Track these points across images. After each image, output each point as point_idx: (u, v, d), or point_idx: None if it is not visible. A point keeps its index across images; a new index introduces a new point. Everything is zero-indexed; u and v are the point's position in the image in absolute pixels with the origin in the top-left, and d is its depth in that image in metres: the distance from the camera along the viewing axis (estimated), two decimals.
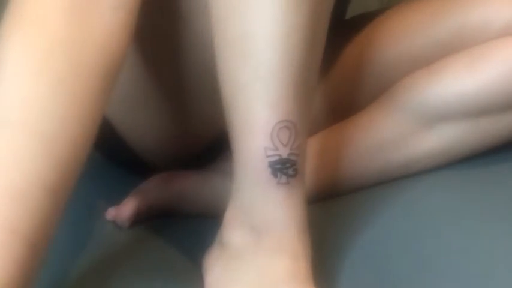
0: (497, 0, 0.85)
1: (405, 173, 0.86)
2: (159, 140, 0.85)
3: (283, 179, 0.66)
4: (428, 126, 0.85)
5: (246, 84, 0.65)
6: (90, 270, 0.74)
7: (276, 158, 0.66)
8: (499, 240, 0.75)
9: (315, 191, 0.82)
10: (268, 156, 0.66)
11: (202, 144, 0.86)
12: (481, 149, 0.86)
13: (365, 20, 0.94)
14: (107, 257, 0.76)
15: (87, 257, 0.75)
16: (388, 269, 0.73)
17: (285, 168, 0.66)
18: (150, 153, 0.87)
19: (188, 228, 0.82)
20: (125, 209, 0.82)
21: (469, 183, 0.84)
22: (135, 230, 0.82)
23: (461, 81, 0.83)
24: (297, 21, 0.64)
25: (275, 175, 0.66)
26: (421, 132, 0.85)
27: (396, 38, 0.89)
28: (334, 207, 0.84)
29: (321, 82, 0.87)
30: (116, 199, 0.84)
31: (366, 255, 0.75)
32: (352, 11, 1.01)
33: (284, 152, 0.66)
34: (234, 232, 0.69)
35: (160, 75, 0.80)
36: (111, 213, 0.83)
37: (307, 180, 0.80)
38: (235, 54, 0.65)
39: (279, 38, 0.63)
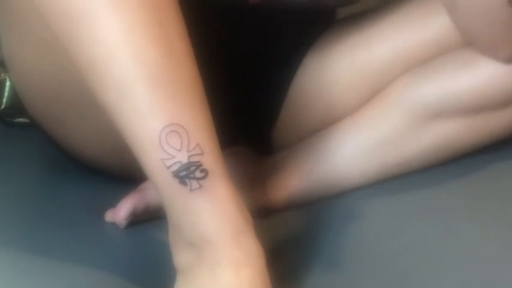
0: None
1: (403, 170, 0.86)
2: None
3: (194, 184, 0.61)
4: (424, 124, 0.84)
5: (116, 105, 0.61)
6: (89, 270, 0.74)
7: (177, 165, 0.61)
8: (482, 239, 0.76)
9: (311, 191, 0.84)
10: (168, 167, 0.61)
11: None
12: (476, 146, 0.86)
13: (356, 20, 0.92)
14: (107, 257, 0.76)
15: (87, 258, 0.76)
16: (386, 267, 0.73)
17: (191, 173, 0.61)
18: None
19: None
20: (122, 209, 0.81)
21: (458, 183, 0.86)
22: (134, 230, 0.82)
23: (457, 79, 0.83)
24: (133, 22, 0.59)
25: (184, 183, 0.61)
26: (417, 130, 0.84)
27: (390, 37, 0.88)
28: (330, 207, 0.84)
29: (313, 84, 0.90)
30: (117, 200, 0.83)
31: (365, 253, 0.76)
32: (345, 10, 0.98)
33: (183, 157, 0.60)
34: (178, 253, 0.65)
35: None
36: (110, 215, 0.83)
37: (304, 181, 0.84)
38: (91, 77, 0.61)
39: (120, 44, 0.59)
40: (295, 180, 0.85)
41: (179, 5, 0.62)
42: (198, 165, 0.61)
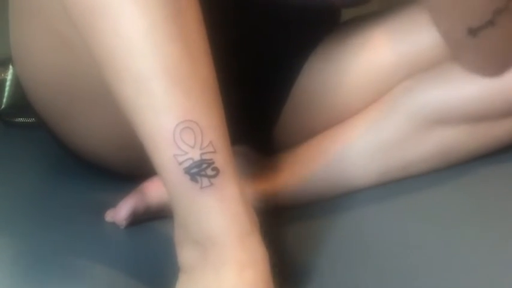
0: None
1: (404, 174, 0.86)
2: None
3: (205, 181, 0.61)
4: (427, 129, 0.84)
5: (132, 99, 0.61)
6: (89, 269, 0.74)
7: (189, 162, 0.60)
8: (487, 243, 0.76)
9: (313, 191, 0.84)
10: (180, 163, 0.61)
11: None
12: (479, 153, 0.86)
13: (361, 23, 0.91)
14: (107, 257, 0.76)
15: (87, 257, 0.76)
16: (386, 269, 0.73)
17: (202, 170, 0.61)
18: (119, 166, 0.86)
19: None
20: (122, 209, 0.81)
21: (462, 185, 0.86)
22: (135, 230, 0.81)
23: (461, 87, 0.83)
24: (155, 18, 0.59)
25: (195, 180, 0.61)
26: (421, 135, 0.84)
27: (395, 41, 0.88)
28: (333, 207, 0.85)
29: (317, 85, 0.90)
30: (117, 200, 0.83)
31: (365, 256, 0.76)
32: (350, 12, 0.98)
33: (195, 154, 0.60)
34: (183, 251, 0.65)
35: None
36: (110, 214, 0.82)
37: (306, 182, 0.85)
38: (109, 70, 0.61)
39: (140, 38, 0.59)
40: (297, 181, 0.85)
41: (198, 2, 0.63)
42: (210, 163, 0.61)
